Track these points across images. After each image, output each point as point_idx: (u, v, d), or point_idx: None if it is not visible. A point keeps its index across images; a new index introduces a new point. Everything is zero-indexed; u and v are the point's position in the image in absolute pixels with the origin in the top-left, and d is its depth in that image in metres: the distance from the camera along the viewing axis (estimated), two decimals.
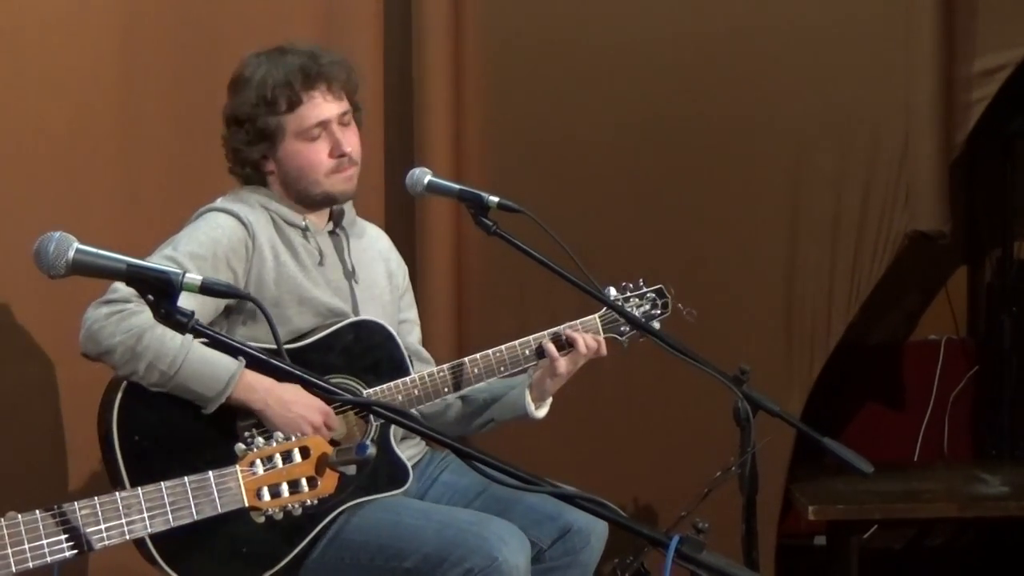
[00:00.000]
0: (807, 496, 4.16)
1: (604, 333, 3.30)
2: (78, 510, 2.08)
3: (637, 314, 3.31)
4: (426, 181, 3.18)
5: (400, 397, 3.10)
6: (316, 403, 2.99)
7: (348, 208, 3.29)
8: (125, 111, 3.76)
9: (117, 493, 2.11)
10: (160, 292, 2.14)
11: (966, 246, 4.85)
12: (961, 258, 4.90)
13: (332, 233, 3.24)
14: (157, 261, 2.93)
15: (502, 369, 3.21)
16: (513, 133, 4.23)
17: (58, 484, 3.66)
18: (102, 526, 2.10)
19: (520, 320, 4.16)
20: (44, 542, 2.06)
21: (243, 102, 3.13)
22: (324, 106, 3.13)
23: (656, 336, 3.15)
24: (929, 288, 4.94)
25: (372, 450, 2.15)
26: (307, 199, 3.17)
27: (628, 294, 3.34)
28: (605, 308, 3.26)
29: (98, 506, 2.10)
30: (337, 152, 3.13)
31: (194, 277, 2.16)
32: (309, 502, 2.23)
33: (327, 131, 3.13)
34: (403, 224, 4.06)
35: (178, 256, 2.99)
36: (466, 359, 3.19)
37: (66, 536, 2.07)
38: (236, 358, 2.89)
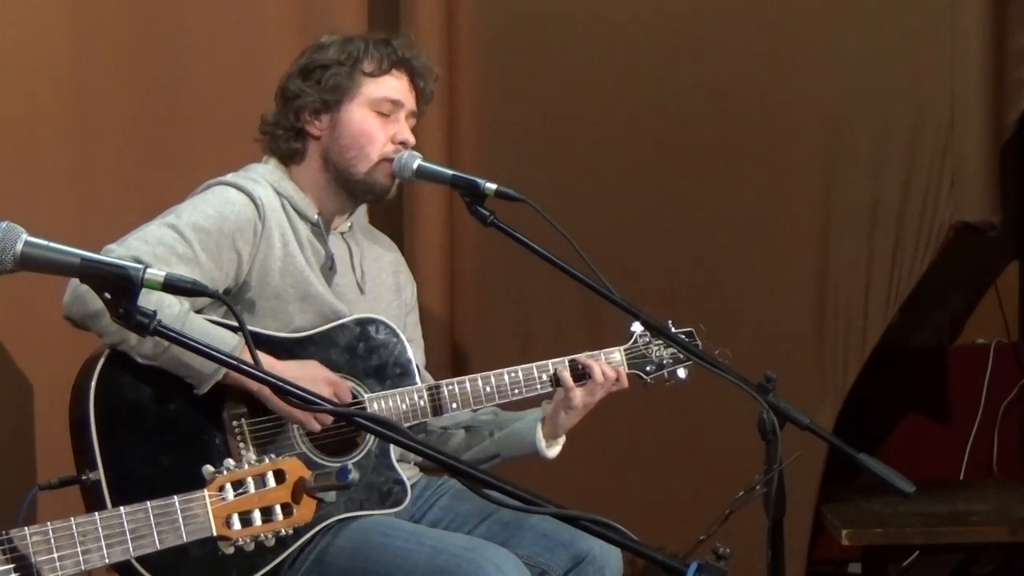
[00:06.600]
0: (840, 518, 4.17)
1: (628, 369, 3.34)
2: (28, 537, 2.09)
3: (664, 354, 3.36)
4: (415, 166, 3.19)
5: (404, 407, 3.14)
6: (323, 374, 3.03)
7: (362, 211, 3.33)
8: (78, 92, 3.75)
9: (72, 519, 2.12)
10: (118, 289, 2.14)
11: (1018, 240, 4.86)
12: (1012, 253, 4.91)
13: (344, 234, 3.26)
14: (155, 229, 2.99)
15: (516, 392, 3.24)
16: (511, 115, 4.22)
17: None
18: (55, 555, 2.10)
19: (520, 324, 4.16)
20: None
21: (322, 56, 3.19)
22: (404, 91, 3.22)
23: (680, 344, 3.18)
24: (977, 286, 4.95)
25: (355, 475, 2.18)
26: (345, 178, 3.19)
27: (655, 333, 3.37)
28: (631, 342, 3.33)
29: (51, 533, 2.10)
30: (399, 138, 3.19)
31: (156, 273, 2.16)
32: (283, 532, 2.24)
33: (395, 116, 3.20)
34: (388, 214, 4.06)
35: (180, 226, 3.00)
36: (478, 375, 3.22)
37: (14, 566, 2.08)
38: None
